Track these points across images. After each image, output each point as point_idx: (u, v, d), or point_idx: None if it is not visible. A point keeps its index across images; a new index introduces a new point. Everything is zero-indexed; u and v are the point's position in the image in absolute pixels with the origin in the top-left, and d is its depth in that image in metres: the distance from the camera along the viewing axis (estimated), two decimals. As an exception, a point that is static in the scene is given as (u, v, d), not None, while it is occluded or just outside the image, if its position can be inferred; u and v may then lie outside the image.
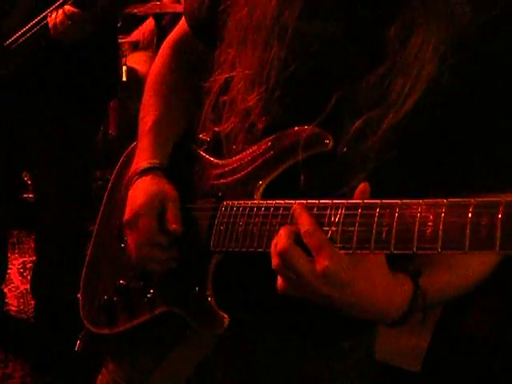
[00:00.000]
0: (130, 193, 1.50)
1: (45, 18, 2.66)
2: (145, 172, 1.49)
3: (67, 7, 2.61)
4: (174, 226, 1.41)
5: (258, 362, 1.46)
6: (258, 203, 1.27)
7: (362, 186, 1.11)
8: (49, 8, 2.65)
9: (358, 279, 1.09)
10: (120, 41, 3.80)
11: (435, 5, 1.17)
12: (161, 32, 4.54)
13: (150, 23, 4.72)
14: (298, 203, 1.16)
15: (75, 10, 2.60)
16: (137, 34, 4.87)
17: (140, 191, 1.46)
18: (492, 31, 1.17)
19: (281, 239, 1.11)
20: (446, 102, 1.19)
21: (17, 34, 2.70)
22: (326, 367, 1.44)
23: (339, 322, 1.32)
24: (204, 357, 1.51)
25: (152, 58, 4.68)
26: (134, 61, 4.59)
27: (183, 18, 1.63)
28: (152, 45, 4.71)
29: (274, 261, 1.12)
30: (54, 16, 2.63)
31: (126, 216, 1.46)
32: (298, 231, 1.10)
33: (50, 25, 2.65)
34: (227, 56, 1.41)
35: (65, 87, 2.89)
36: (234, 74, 1.39)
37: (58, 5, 2.63)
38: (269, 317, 1.39)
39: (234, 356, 1.48)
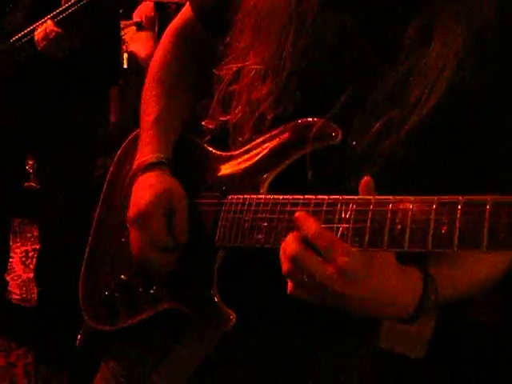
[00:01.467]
0: (134, 188, 1.44)
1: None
2: (150, 167, 1.44)
3: (49, 25, 2.60)
4: (182, 237, 1.38)
5: (261, 359, 1.44)
6: (265, 198, 1.25)
7: (365, 179, 1.10)
8: (50, 7, 2.63)
9: (371, 275, 1.08)
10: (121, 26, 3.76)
11: (455, 5, 1.16)
12: (162, 17, 4.52)
13: (148, 4, 4.67)
14: (300, 212, 1.13)
15: (56, 29, 2.58)
16: (136, 15, 4.81)
17: (146, 188, 1.41)
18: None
19: (290, 244, 1.10)
20: (466, 103, 1.18)
21: (21, 34, 2.69)
22: (330, 362, 1.43)
23: (345, 318, 1.31)
24: (206, 355, 1.48)
25: (152, 40, 4.65)
26: (135, 40, 4.55)
27: (187, 4, 1.60)
28: (153, 27, 4.68)
29: (285, 266, 1.11)
30: (39, 30, 2.62)
31: (131, 213, 1.41)
32: (305, 235, 1.09)
33: (35, 39, 2.65)
34: (239, 43, 1.38)
35: (67, 75, 2.88)
36: (246, 63, 1.36)
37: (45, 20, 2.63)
38: (273, 312, 1.38)
39: (237, 353, 1.45)
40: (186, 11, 1.61)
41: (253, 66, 1.34)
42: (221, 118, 1.42)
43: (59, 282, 3.40)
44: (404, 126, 1.18)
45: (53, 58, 2.67)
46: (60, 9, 2.55)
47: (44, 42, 2.60)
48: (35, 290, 3.64)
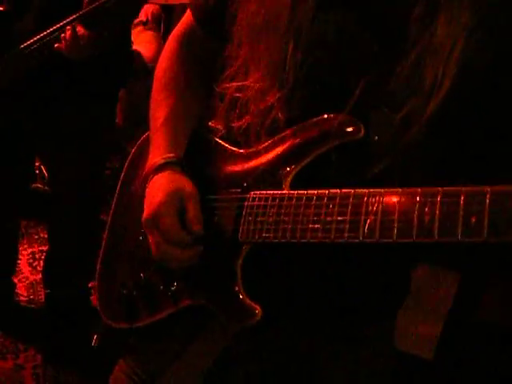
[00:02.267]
0: (147, 191, 1.46)
1: (57, 30, 2.63)
2: (161, 168, 1.46)
3: (80, 29, 2.58)
4: (197, 226, 1.38)
5: (279, 352, 1.45)
6: (289, 193, 1.25)
7: None
8: (60, 14, 2.62)
9: None
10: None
11: None
12: (168, 20, 4.53)
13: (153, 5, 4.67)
14: None
15: (85, 31, 2.56)
16: (142, 14, 4.81)
17: (158, 189, 1.43)
18: None
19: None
20: (480, 81, 1.18)
21: (31, 40, 2.67)
22: (351, 354, 1.44)
23: (362, 309, 1.31)
24: (223, 348, 1.49)
25: (157, 40, 4.65)
26: (140, 41, 4.55)
27: (188, 10, 1.61)
28: (159, 26, 4.67)
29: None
30: (66, 33, 2.59)
31: (145, 215, 1.42)
32: None
33: (62, 42, 2.62)
34: (238, 57, 1.39)
35: (77, 76, 2.87)
36: (247, 77, 1.37)
37: (70, 21, 2.60)
38: (294, 306, 1.39)
39: (256, 345, 1.46)
40: (187, 17, 1.62)
41: (256, 78, 1.35)
42: (231, 125, 1.43)
43: (67, 283, 3.41)
44: (424, 113, 1.18)
45: (78, 59, 2.66)
46: (84, 11, 2.54)
47: (73, 47, 2.58)
48: (42, 292, 3.64)
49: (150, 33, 4.66)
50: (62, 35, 2.57)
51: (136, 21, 4.63)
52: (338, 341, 1.42)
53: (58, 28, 2.61)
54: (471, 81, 1.18)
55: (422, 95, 1.18)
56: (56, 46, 2.60)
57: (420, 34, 1.19)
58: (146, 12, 4.71)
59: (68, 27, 2.57)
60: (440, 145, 1.24)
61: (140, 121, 1.60)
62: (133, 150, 1.69)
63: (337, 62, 1.28)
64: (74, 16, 2.56)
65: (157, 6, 4.68)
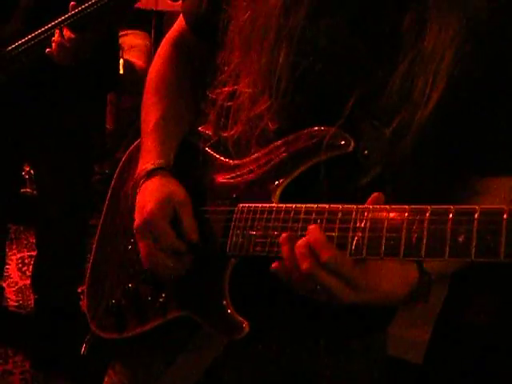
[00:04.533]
0: (138, 197, 1.45)
1: (45, 32, 2.61)
2: (151, 174, 1.45)
3: (65, 31, 2.56)
4: (193, 235, 1.38)
5: (269, 363, 1.45)
6: (277, 207, 1.25)
7: (375, 195, 1.11)
8: (47, 16, 2.60)
9: (372, 283, 1.12)
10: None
11: None
12: (158, 25, 4.54)
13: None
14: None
15: (71, 34, 2.54)
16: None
17: (149, 195, 1.42)
18: (506, 15, 1.18)
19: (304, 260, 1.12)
20: (468, 91, 1.19)
21: (18, 42, 2.66)
22: (340, 367, 1.44)
23: (350, 322, 1.32)
24: (213, 359, 1.49)
25: (148, 47, 4.65)
26: (132, 47, 4.54)
27: (181, 15, 1.62)
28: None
29: (298, 279, 1.14)
30: (56, 36, 2.57)
31: (137, 222, 1.41)
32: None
33: (53, 46, 2.60)
34: (230, 63, 1.39)
35: (65, 81, 2.86)
36: (239, 84, 1.37)
37: (55, 24, 2.58)
38: (282, 319, 1.39)
39: (244, 358, 1.46)
40: (179, 22, 1.63)
41: (247, 84, 1.35)
42: (221, 134, 1.42)
43: (56, 288, 3.40)
44: (413, 126, 1.19)
45: (66, 64, 2.65)
46: (69, 14, 2.53)
47: (61, 50, 2.57)
48: (32, 297, 3.62)
49: (140, 40, 4.65)
50: (53, 39, 2.57)
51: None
52: (325, 354, 1.42)
53: (43, 31, 2.60)
54: (460, 92, 1.19)
55: (412, 107, 1.19)
56: (47, 50, 2.59)
57: (410, 45, 1.19)
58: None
59: (56, 30, 2.56)
60: (429, 157, 1.25)
61: (131, 127, 1.59)
62: (124, 157, 1.68)
63: (328, 71, 1.28)
64: (60, 19, 2.55)
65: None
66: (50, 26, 2.58)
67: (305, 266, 1.10)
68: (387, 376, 1.56)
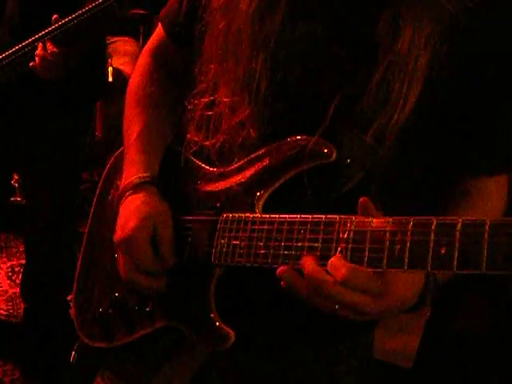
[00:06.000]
0: (121, 210, 1.44)
1: (27, 46, 2.58)
2: (136, 188, 1.44)
3: (49, 46, 2.53)
4: (170, 260, 1.38)
5: (257, 369, 1.45)
6: (261, 217, 1.26)
7: (362, 200, 1.11)
8: (34, 27, 2.57)
9: (388, 293, 1.11)
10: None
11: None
12: (147, 31, 4.52)
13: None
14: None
15: (53, 48, 2.51)
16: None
17: (131, 212, 1.41)
18: (481, 16, 1.18)
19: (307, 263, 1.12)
20: (445, 93, 1.19)
21: (2, 55, 2.62)
22: (324, 371, 1.44)
23: (336, 327, 1.32)
24: (200, 366, 1.49)
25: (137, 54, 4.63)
26: (121, 55, 4.53)
27: (159, 24, 1.62)
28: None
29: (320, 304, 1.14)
30: (38, 50, 2.55)
31: (117, 237, 1.41)
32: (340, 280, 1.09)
33: (36, 60, 2.57)
34: (208, 73, 1.40)
35: (52, 90, 2.86)
36: (217, 93, 1.37)
37: (39, 38, 2.55)
38: (269, 326, 1.39)
39: (231, 365, 1.46)
40: (158, 31, 1.63)
41: (225, 93, 1.35)
42: (204, 143, 1.42)
43: (46, 296, 3.38)
44: (392, 129, 1.19)
45: (50, 78, 2.64)
46: (52, 27, 2.51)
47: (44, 64, 2.57)
48: (22, 306, 3.61)
49: (129, 47, 4.64)
50: (36, 52, 2.56)
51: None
52: (312, 359, 1.43)
53: (26, 45, 2.57)
54: (439, 94, 1.20)
55: (389, 111, 1.19)
56: (31, 64, 2.58)
57: (386, 50, 1.20)
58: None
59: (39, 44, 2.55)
60: (415, 160, 1.25)
61: (120, 135, 1.59)
62: (109, 163, 1.68)
63: (306, 77, 1.29)
64: (42, 33, 2.52)
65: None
66: (32, 39, 2.56)
67: (326, 290, 1.09)
68: (374, 379, 1.57)
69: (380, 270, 1.05)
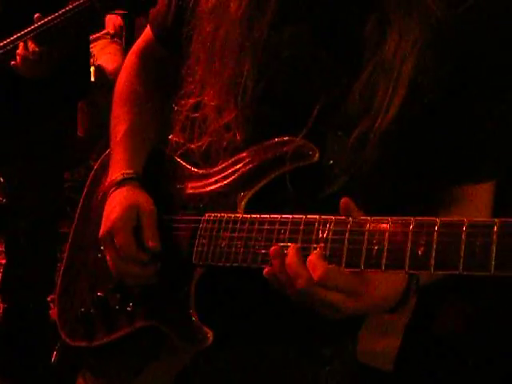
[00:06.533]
0: (105, 207, 1.47)
1: (8, 44, 2.57)
2: (120, 184, 1.46)
3: (30, 45, 2.52)
4: (151, 243, 1.38)
5: (240, 370, 1.46)
6: (242, 217, 1.26)
7: (344, 201, 1.11)
8: (13, 26, 2.56)
9: (366, 292, 1.11)
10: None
11: (408, 1, 1.17)
12: (130, 29, 4.51)
13: (116, 18, 4.61)
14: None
15: (39, 48, 2.50)
16: (108, 26, 4.76)
17: (115, 205, 1.43)
18: (468, 22, 1.18)
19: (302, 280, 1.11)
20: (430, 98, 1.20)
21: None
22: (308, 374, 1.44)
23: (320, 329, 1.32)
24: (183, 367, 1.49)
25: (120, 53, 4.62)
26: (103, 54, 4.51)
27: (148, 26, 1.63)
28: (121, 38, 4.65)
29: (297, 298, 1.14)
30: (19, 49, 2.53)
31: (102, 231, 1.43)
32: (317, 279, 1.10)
33: (17, 59, 2.56)
34: (195, 74, 1.40)
35: (34, 89, 2.84)
36: (204, 95, 1.38)
37: (20, 36, 2.54)
38: (251, 327, 1.39)
39: (215, 365, 1.47)
40: (147, 32, 1.64)
41: (212, 95, 1.36)
42: (189, 145, 1.43)
43: (25, 297, 3.37)
44: (375, 133, 1.20)
45: (32, 77, 2.63)
46: (34, 26, 2.50)
47: (25, 63, 2.55)
48: (1, 306, 3.59)
49: (111, 47, 4.62)
50: (17, 51, 2.54)
51: (102, 32, 4.59)
52: (294, 360, 1.43)
53: (7, 43, 2.56)
54: (424, 99, 1.20)
55: (374, 114, 1.20)
56: (12, 63, 2.56)
57: (372, 53, 1.20)
58: (114, 23, 4.67)
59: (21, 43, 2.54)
60: (398, 164, 1.26)
61: (102, 133, 1.60)
62: (96, 165, 1.69)
63: (292, 80, 1.29)
64: (24, 32, 2.51)
65: (119, 18, 4.65)
66: (13, 38, 2.54)
67: (300, 283, 1.10)
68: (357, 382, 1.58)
69: (358, 269, 1.05)
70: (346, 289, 1.09)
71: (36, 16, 2.49)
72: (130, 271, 1.40)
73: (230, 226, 1.27)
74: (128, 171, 1.48)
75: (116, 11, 4.15)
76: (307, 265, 1.09)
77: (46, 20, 2.47)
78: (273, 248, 1.15)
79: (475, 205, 1.31)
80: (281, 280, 1.13)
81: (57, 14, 2.45)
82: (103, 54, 4.52)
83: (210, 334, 1.29)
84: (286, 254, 1.13)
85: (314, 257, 1.10)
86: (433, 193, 1.32)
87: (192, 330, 1.31)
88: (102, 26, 4.49)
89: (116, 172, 1.49)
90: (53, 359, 1.63)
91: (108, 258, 1.42)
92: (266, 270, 1.15)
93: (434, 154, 1.27)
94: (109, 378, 1.59)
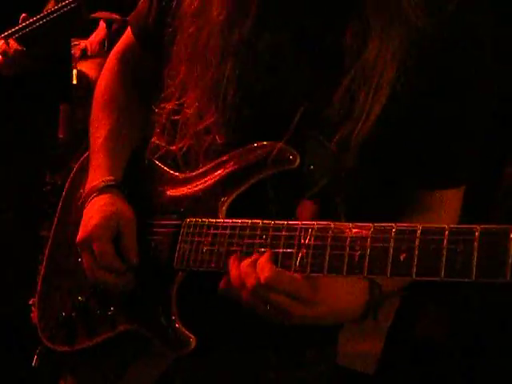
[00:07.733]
0: (85, 212, 1.45)
1: None
2: (100, 191, 1.45)
3: (12, 42, 2.52)
4: (133, 257, 1.38)
5: (221, 374, 1.45)
6: (223, 222, 1.26)
7: (304, 203, 1.13)
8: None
9: (321, 299, 1.13)
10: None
11: (388, 9, 1.18)
12: (112, 37, 4.48)
13: (101, 31, 4.60)
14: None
15: (19, 47, 2.50)
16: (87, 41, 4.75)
17: (95, 212, 1.42)
18: (448, 31, 1.20)
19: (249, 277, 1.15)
20: (409, 106, 1.21)
21: None
22: (289, 378, 1.45)
23: (301, 333, 1.32)
24: (164, 370, 1.49)
25: (101, 66, 4.59)
26: (83, 67, 4.50)
27: (128, 28, 1.62)
28: (102, 52, 4.63)
29: (246, 297, 1.16)
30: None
31: (79, 237, 1.42)
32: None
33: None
34: (176, 77, 1.40)
35: (15, 91, 2.83)
36: (185, 97, 1.38)
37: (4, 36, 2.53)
38: (232, 331, 1.39)
39: (196, 368, 1.46)
40: (127, 35, 1.63)
41: (193, 98, 1.36)
42: (169, 148, 1.43)
43: (5, 300, 3.35)
44: (355, 138, 1.21)
45: (5, 75, 2.61)
46: (18, 27, 2.49)
47: (4, 61, 2.54)
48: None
49: (92, 60, 4.60)
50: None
51: (78, 44, 4.58)
52: (275, 364, 1.43)
53: None
54: (404, 106, 1.21)
55: (354, 121, 1.21)
56: None
57: (352, 60, 1.21)
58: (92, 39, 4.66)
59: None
60: (378, 169, 1.27)
61: (83, 136, 1.59)
62: (75, 167, 1.68)
63: (272, 85, 1.30)
64: (8, 32, 2.51)
65: (99, 38, 4.63)
66: None
67: (249, 283, 1.11)
68: None
69: (340, 275, 1.06)
70: (295, 293, 1.11)
71: (22, 16, 2.48)
72: (106, 279, 1.40)
73: (211, 230, 1.27)
74: (108, 178, 1.47)
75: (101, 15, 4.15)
76: (256, 267, 1.12)
77: (29, 21, 2.47)
78: (232, 257, 1.18)
79: (445, 210, 1.33)
80: (235, 285, 1.16)
81: (40, 15, 2.45)
82: (85, 58, 4.50)
83: (193, 339, 1.29)
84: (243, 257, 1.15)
85: (262, 259, 1.13)
86: (404, 198, 1.33)
87: (174, 335, 1.31)
88: (86, 29, 4.47)
89: (96, 178, 1.48)
90: (34, 362, 1.62)
91: (85, 264, 1.42)
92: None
93: (408, 159, 1.29)
94: (90, 381, 1.58)
